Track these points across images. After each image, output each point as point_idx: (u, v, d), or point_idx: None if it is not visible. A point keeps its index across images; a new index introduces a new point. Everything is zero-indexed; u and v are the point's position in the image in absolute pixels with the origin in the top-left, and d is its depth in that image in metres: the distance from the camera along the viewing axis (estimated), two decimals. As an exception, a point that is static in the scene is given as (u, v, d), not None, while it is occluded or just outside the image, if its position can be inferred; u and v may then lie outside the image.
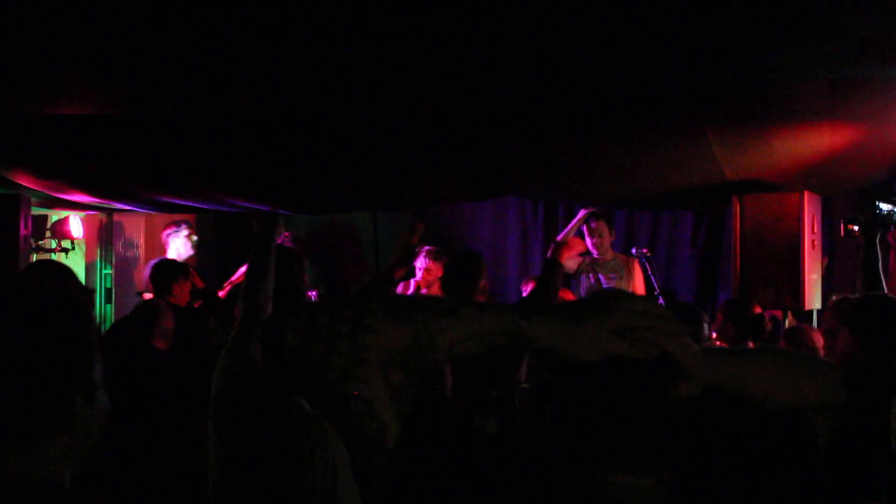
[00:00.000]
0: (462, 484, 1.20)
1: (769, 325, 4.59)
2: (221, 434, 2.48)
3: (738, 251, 5.32)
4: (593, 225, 6.42)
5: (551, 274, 3.91)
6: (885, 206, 4.62)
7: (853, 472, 2.32)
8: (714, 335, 4.54)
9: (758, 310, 4.52)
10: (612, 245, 6.62)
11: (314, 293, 7.31)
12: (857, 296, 4.43)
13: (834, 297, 4.70)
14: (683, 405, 1.16)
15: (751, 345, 4.25)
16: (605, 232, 6.44)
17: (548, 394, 1.17)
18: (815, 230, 5.35)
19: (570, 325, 1.08)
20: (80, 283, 3.54)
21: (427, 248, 6.46)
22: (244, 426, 2.43)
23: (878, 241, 4.56)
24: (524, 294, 6.96)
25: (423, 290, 6.36)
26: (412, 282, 6.51)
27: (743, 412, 1.25)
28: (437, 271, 6.30)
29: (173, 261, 6.24)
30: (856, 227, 4.73)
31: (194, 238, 7.06)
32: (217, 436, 2.49)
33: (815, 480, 1.30)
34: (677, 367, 1.11)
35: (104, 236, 8.37)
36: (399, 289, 6.57)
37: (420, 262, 6.42)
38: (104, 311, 8.13)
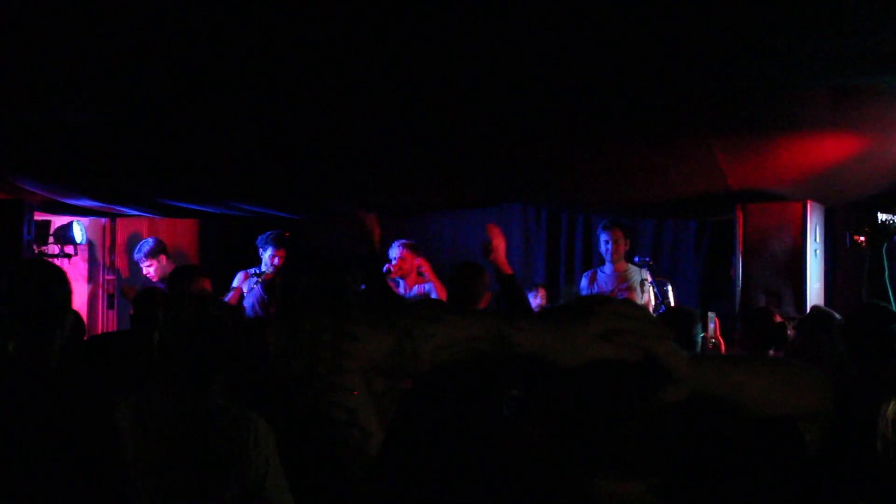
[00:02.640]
0: (449, 491, 1.19)
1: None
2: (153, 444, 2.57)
3: (741, 260, 5.32)
4: (608, 232, 6.25)
5: (515, 289, 3.91)
6: (884, 217, 4.60)
7: (842, 477, 2.31)
8: (712, 343, 4.50)
9: (778, 319, 4.47)
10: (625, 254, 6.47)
11: None
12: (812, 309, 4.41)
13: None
14: (672, 410, 1.14)
15: (771, 353, 4.20)
16: (621, 240, 6.31)
17: (534, 399, 1.16)
18: (818, 239, 5.34)
19: (554, 330, 1.08)
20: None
21: (403, 241, 6.56)
22: (177, 435, 2.52)
23: (884, 251, 4.55)
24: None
25: (397, 279, 6.43)
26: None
27: (732, 419, 1.24)
28: (412, 261, 6.40)
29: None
30: (862, 238, 4.71)
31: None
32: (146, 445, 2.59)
33: (805, 488, 1.29)
34: (664, 371, 1.10)
35: (107, 241, 8.38)
36: None
37: (395, 252, 6.48)
38: (106, 317, 8.13)
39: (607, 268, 6.32)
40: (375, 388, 1.04)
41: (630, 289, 6.18)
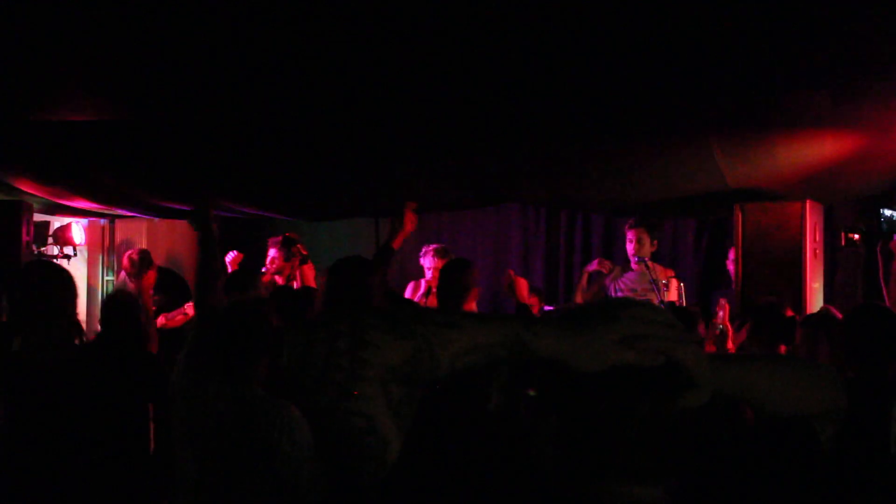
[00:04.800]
0: (463, 495, 1.19)
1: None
2: (186, 429, 2.61)
3: (740, 259, 5.32)
4: (632, 233, 6.02)
5: (388, 259, 4.17)
6: (888, 212, 4.59)
7: (853, 477, 2.31)
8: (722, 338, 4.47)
9: (790, 313, 4.42)
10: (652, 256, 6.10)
11: None
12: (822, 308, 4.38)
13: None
14: (690, 413, 1.13)
15: (782, 349, 4.16)
16: (646, 240, 6.12)
17: (552, 404, 1.15)
18: (817, 239, 5.34)
19: (574, 335, 1.06)
20: None
21: (433, 246, 6.50)
22: (207, 420, 2.56)
23: (879, 250, 4.55)
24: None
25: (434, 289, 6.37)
26: (422, 281, 6.54)
27: (745, 419, 1.23)
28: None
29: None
30: (856, 237, 4.71)
31: None
32: (182, 430, 2.59)
33: (819, 487, 1.28)
34: (686, 376, 1.08)
35: (106, 243, 8.36)
36: (409, 289, 6.62)
37: (428, 262, 6.44)
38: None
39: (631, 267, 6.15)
40: (393, 396, 1.02)
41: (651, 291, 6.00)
